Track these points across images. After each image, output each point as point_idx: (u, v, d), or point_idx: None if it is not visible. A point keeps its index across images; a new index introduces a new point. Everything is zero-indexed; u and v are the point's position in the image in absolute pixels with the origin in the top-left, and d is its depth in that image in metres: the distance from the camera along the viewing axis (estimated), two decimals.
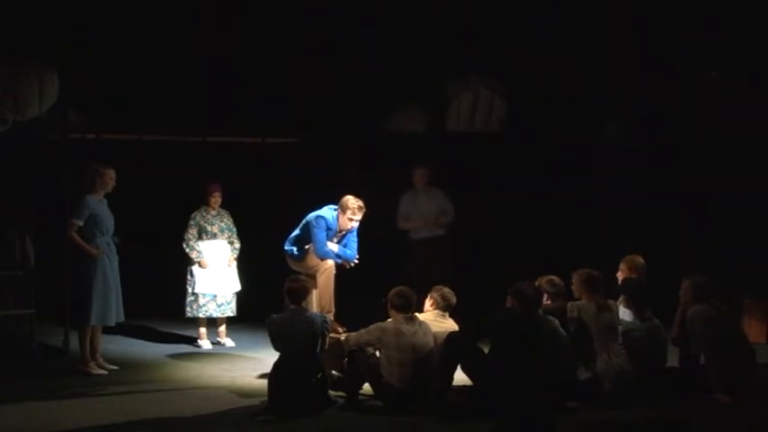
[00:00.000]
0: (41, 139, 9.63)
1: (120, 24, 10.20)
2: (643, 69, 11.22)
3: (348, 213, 8.46)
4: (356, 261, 8.60)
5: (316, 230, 8.40)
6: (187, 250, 9.61)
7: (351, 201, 8.48)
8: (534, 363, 7.10)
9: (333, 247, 8.51)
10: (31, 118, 9.08)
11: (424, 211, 10.40)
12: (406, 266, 10.27)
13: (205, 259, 9.60)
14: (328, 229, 8.46)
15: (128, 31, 10.24)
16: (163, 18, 10.42)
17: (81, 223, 8.32)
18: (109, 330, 8.92)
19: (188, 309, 9.69)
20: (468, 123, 11.32)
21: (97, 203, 8.41)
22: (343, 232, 8.58)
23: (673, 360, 7.90)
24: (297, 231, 8.63)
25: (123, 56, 10.24)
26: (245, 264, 9.88)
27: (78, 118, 10.00)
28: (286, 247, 8.64)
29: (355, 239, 8.63)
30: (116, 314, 8.48)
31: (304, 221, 8.57)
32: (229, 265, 9.71)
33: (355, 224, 8.53)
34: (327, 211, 8.50)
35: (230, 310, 9.78)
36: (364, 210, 8.49)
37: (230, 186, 9.94)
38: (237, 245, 9.79)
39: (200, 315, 9.69)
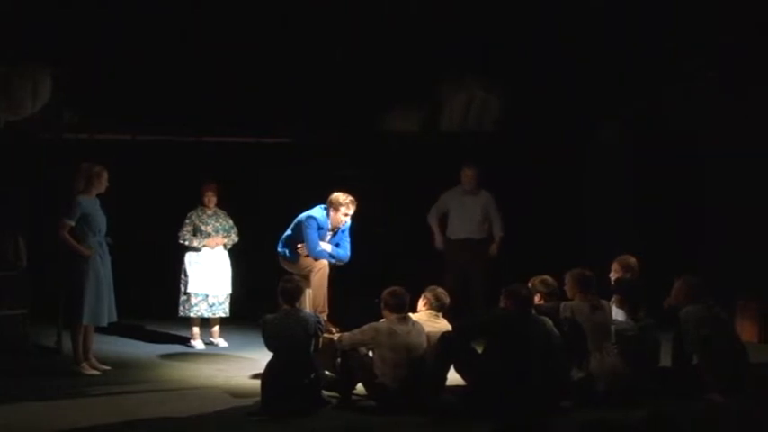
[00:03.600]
0: (35, 139, 9.64)
1: (114, 24, 10.18)
2: (643, 69, 11.21)
3: (342, 209, 8.44)
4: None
5: (308, 231, 8.38)
6: (186, 243, 9.60)
7: (341, 197, 8.46)
8: (528, 363, 7.11)
9: (326, 246, 8.50)
10: (24, 118, 9.09)
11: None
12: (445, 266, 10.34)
13: (210, 239, 9.60)
14: (320, 228, 8.45)
15: (122, 31, 10.23)
16: (158, 18, 10.40)
17: (72, 223, 8.28)
18: (102, 330, 8.88)
19: (180, 308, 9.68)
20: (462, 123, 11.32)
21: (89, 203, 8.38)
22: (335, 231, 8.58)
23: (666, 360, 7.91)
24: (288, 232, 8.61)
25: (117, 56, 10.23)
26: (240, 264, 9.86)
27: (72, 118, 10.00)
28: (279, 249, 8.62)
29: (348, 239, 8.62)
30: (108, 314, 8.45)
31: (295, 222, 8.55)
32: (218, 244, 9.67)
33: (348, 219, 8.53)
34: (318, 211, 8.48)
35: (222, 310, 9.75)
36: (356, 202, 8.49)
37: (226, 186, 9.93)
38: (235, 238, 9.78)
39: (192, 315, 9.68)
